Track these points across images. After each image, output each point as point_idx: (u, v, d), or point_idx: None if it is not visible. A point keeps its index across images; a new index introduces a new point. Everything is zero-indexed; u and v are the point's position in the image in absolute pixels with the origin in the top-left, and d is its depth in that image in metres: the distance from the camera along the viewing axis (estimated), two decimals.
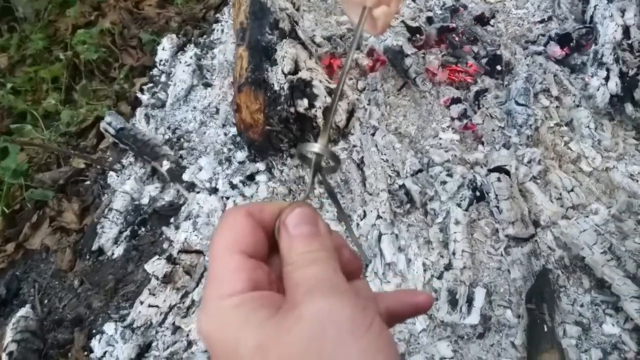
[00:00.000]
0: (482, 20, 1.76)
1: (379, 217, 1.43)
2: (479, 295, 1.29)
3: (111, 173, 1.93)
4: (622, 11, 1.57)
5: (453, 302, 1.29)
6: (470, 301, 1.29)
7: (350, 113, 1.57)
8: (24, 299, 1.79)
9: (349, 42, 1.79)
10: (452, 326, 1.28)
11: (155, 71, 2.19)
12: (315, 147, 0.43)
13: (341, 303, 0.33)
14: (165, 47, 2.20)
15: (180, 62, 2.13)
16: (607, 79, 1.45)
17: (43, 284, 1.79)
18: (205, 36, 2.24)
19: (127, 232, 1.77)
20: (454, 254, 1.34)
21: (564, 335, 1.21)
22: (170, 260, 1.57)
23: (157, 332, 1.51)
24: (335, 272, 0.37)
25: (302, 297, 0.34)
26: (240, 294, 0.35)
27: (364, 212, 1.48)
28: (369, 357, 0.32)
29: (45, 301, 1.76)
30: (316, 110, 1.47)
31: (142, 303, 1.54)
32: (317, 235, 0.39)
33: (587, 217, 1.32)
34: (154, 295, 1.55)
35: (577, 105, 1.51)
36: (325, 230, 0.40)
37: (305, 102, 1.45)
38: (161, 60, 2.18)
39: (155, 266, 1.57)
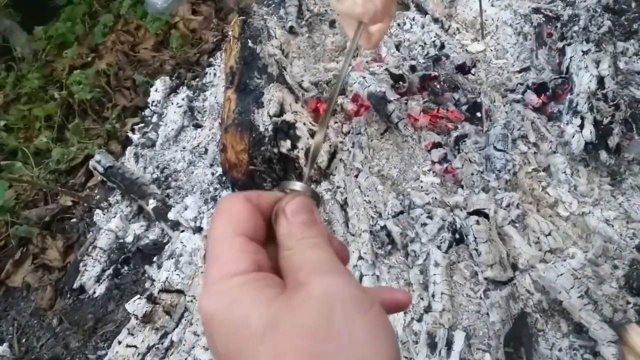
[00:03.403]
0: (463, 69, 1.83)
1: (360, 257, 1.44)
2: (458, 338, 1.28)
3: (97, 211, 1.94)
4: (597, 62, 1.64)
5: (432, 346, 1.28)
6: (449, 344, 1.28)
7: (332, 155, 1.60)
8: (2, 337, 1.76)
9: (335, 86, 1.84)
10: None
11: (147, 112, 2.24)
12: (296, 186, 0.44)
13: (346, 282, 0.35)
14: (159, 88, 2.26)
15: (172, 104, 2.18)
16: (581, 126, 1.50)
17: (22, 322, 1.77)
18: (198, 79, 2.31)
19: (110, 271, 1.76)
20: (433, 296, 1.34)
21: None
22: (151, 299, 1.56)
23: None
24: (334, 255, 0.38)
25: (307, 276, 0.35)
26: (245, 273, 0.36)
27: None
28: (372, 331, 0.33)
29: (23, 340, 1.73)
30: (298, 151, 1.50)
31: (120, 343, 1.52)
32: (314, 223, 0.40)
33: (565, 261, 1.34)
34: (132, 335, 1.54)
35: (554, 152, 1.55)
36: (320, 219, 0.42)
37: (289, 143, 1.48)
38: (153, 101, 2.23)
39: (136, 305, 1.56)
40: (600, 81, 1.59)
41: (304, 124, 1.55)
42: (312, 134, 1.53)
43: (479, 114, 1.68)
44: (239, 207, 0.39)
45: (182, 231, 1.72)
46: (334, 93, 0.52)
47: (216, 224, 0.39)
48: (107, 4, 2.91)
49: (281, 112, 1.55)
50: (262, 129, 1.50)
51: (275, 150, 1.48)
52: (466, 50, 1.92)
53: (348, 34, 0.65)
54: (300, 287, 0.35)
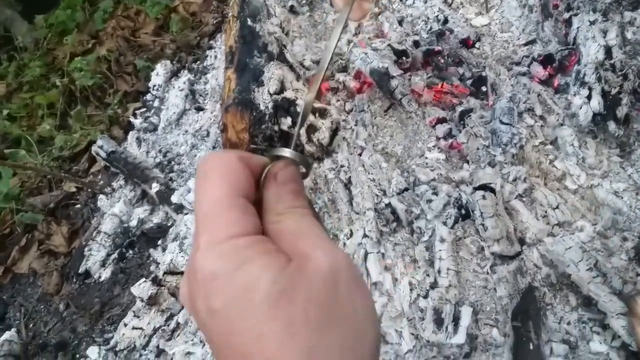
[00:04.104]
0: (467, 43, 1.79)
1: (365, 235, 1.43)
2: (465, 314, 1.27)
3: (101, 196, 1.94)
4: (604, 32, 1.60)
5: (439, 322, 1.27)
6: (456, 320, 1.26)
7: (334, 131, 1.58)
8: (10, 323, 1.77)
9: (337, 64, 1.81)
10: (438, 346, 1.25)
11: (148, 96, 2.22)
12: (285, 152, 0.43)
13: (346, 256, 0.37)
14: (160, 72, 2.24)
15: (173, 87, 2.16)
16: (589, 97, 1.46)
17: (29, 307, 1.78)
18: (198, 62, 2.28)
19: (115, 255, 1.76)
20: (439, 272, 1.32)
21: (551, 354, 1.18)
22: (156, 282, 1.56)
23: (140, 355, 1.49)
24: (323, 228, 0.40)
25: (310, 248, 0.36)
26: (250, 235, 0.36)
27: (351, 231, 1.47)
28: (367, 306, 0.36)
29: (31, 325, 1.74)
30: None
31: (126, 325, 1.52)
32: (302, 193, 0.41)
33: (573, 234, 1.31)
34: (138, 317, 1.53)
35: (561, 124, 1.51)
36: (305, 193, 0.43)
37: (289, 120, 1.46)
38: (155, 86, 2.21)
39: (141, 288, 1.55)
40: (608, 51, 1.55)
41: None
42: (314, 111, 1.51)
43: (484, 88, 1.64)
44: (237, 167, 0.39)
45: (186, 214, 1.71)
46: (324, 64, 0.49)
47: (214, 182, 0.38)
48: None
49: (282, 89, 1.53)
50: (262, 107, 1.48)
51: (276, 127, 1.46)
52: (470, 24, 1.88)
53: (337, 6, 0.63)
54: (306, 258, 0.35)
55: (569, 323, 1.22)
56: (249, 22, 1.69)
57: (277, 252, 0.36)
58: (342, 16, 0.57)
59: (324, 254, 0.35)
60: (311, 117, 1.49)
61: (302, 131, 1.47)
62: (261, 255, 0.34)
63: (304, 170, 0.45)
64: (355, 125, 1.66)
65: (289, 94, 1.50)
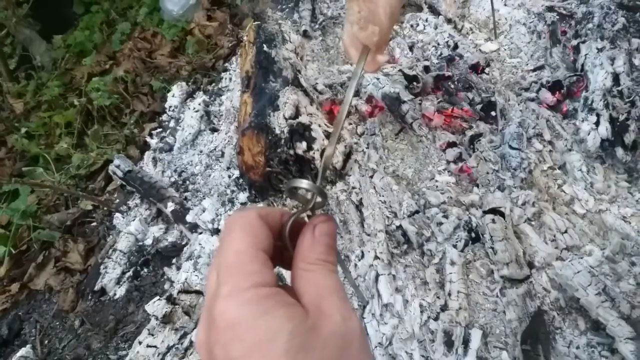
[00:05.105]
0: (477, 68, 1.83)
1: (376, 257, 1.45)
2: (475, 336, 1.28)
3: (117, 214, 1.98)
4: (612, 59, 1.63)
5: (449, 344, 1.29)
6: (466, 343, 1.28)
7: (347, 155, 1.62)
8: (25, 339, 1.80)
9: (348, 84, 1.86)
10: None
11: (164, 117, 2.28)
12: (304, 184, 0.45)
13: (358, 325, 0.39)
14: (175, 94, 2.29)
15: (189, 109, 2.22)
16: (597, 123, 1.49)
17: (44, 324, 1.81)
18: (214, 84, 2.34)
19: (130, 273, 1.79)
20: (449, 294, 1.35)
21: None
22: (170, 300, 1.58)
23: None
24: (343, 287, 0.42)
25: (331, 308, 0.38)
26: (272, 286, 0.38)
27: (362, 252, 1.50)
28: None
29: (46, 342, 1.77)
30: (314, 153, 1.52)
31: (140, 343, 1.55)
32: (334, 248, 0.44)
33: (581, 258, 1.33)
34: (152, 335, 1.56)
35: (569, 149, 1.54)
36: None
37: (304, 144, 1.50)
38: (171, 107, 2.27)
39: (156, 306, 1.58)
40: (616, 78, 1.58)
41: (319, 125, 1.57)
42: (327, 135, 1.55)
43: (493, 113, 1.68)
44: (257, 224, 0.42)
45: (200, 233, 1.75)
46: (341, 116, 0.53)
47: (236, 237, 0.40)
48: (124, 12, 2.97)
49: (296, 114, 1.57)
50: (278, 131, 1.52)
51: (292, 151, 1.50)
52: (480, 49, 1.92)
53: (352, 59, 0.68)
54: (326, 317, 0.38)
55: (578, 347, 1.24)
56: (265, 47, 1.74)
57: (296, 305, 0.38)
58: (357, 70, 0.61)
59: (342, 319, 0.38)
60: (325, 142, 1.53)
61: (317, 156, 1.50)
62: (281, 306, 0.36)
63: (320, 199, 0.48)
64: (367, 148, 1.70)
65: (303, 118, 1.54)
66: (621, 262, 1.32)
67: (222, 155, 1.97)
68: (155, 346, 1.55)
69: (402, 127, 1.72)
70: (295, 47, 1.83)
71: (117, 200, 2.06)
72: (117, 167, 1.99)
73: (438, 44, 1.95)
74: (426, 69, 1.83)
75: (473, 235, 1.43)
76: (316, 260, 0.42)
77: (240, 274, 0.37)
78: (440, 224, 1.46)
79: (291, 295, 0.40)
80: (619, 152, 1.46)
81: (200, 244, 1.72)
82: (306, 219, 0.46)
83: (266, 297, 0.36)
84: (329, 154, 0.52)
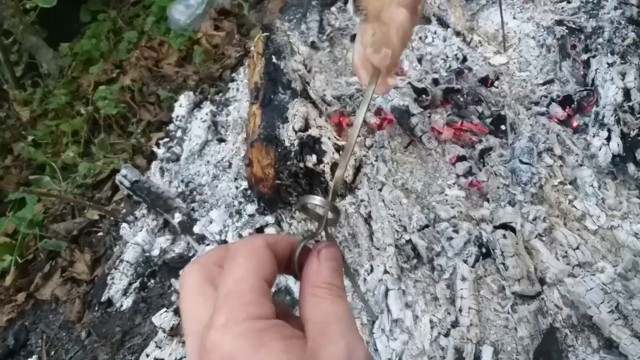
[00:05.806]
0: (486, 82, 1.83)
1: (386, 272, 1.44)
2: (486, 353, 1.28)
3: (124, 225, 1.97)
4: (623, 74, 1.63)
5: None
6: (477, 359, 1.27)
7: (358, 169, 1.61)
8: (32, 349, 1.79)
9: (357, 101, 1.86)
10: None
11: (171, 126, 2.28)
12: (316, 200, 0.46)
13: (364, 352, 0.38)
14: (182, 103, 2.29)
15: (196, 118, 2.21)
16: (608, 139, 1.49)
17: (51, 335, 1.80)
18: (221, 94, 2.34)
19: (137, 284, 1.79)
20: (460, 310, 1.34)
21: None
22: (178, 312, 1.58)
23: None
24: (352, 314, 0.40)
25: (336, 335, 0.37)
26: (268, 318, 0.37)
27: (371, 266, 1.49)
28: None
29: (52, 352, 1.76)
30: (324, 166, 1.52)
31: (147, 356, 1.54)
32: (340, 272, 0.44)
33: (594, 275, 1.32)
34: (160, 348, 1.55)
35: (580, 165, 1.54)
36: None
37: (314, 157, 1.50)
38: (178, 116, 2.27)
39: (162, 319, 1.58)
40: (627, 93, 1.58)
41: (329, 138, 1.57)
42: (337, 149, 1.54)
43: (503, 127, 1.67)
44: (262, 252, 0.41)
45: (208, 244, 1.74)
46: (352, 140, 0.53)
47: (239, 263, 0.40)
48: (131, 20, 2.98)
49: (306, 126, 1.57)
50: (287, 143, 1.52)
51: (301, 164, 1.50)
52: (489, 63, 1.92)
53: (362, 81, 0.68)
54: (328, 345, 0.36)
55: None
56: (274, 59, 1.74)
57: (294, 337, 0.37)
58: (367, 92, 0.61)
59: (347, 348, 0.36)
60: (335, 156, 1.53)
61: (327, 169, 1.50)
62: (278, 340, 0.35)
63: (332, 216, 0.48)
64: (376, 160, 1.69)
65: (313, 131, 1.54)
66: (634, 279, 1.31)
67: (230, 166, 1.97)
68: (162, 359, 1.54)
69: (411, 140, 1.72)
70: (304, 58, 1.84)
71: (124, 210, 2.05)
72: (124, 177, 1.99)
73: (447, 57, 1.95)
74: (435, 82, 1.83)
75: (484, 250, 1.42)
76: (322, 283, 0.41)
77: (237, 303, 0.37)
78: (450, 238, 1.45)
79: (293, 325, 0.39)
80: (631, 168, 1.46)
81: None
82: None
83: (261, 330, 0.35)
84: (339, 176, 0.52)
